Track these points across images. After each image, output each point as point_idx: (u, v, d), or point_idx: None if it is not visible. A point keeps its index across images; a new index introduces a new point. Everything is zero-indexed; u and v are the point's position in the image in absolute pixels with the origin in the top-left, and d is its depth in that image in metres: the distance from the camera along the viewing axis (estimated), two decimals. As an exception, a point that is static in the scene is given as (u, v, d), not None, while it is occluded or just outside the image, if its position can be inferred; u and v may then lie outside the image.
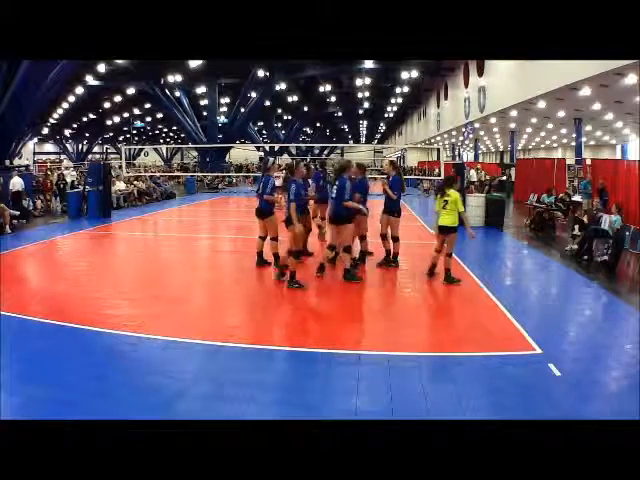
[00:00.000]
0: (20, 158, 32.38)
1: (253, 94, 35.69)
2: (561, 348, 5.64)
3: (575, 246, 10.62)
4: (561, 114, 23.19)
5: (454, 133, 34.70)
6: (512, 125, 28.39)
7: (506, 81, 21.40)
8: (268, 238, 8.91)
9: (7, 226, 13.45)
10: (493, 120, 26.10)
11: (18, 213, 14.52)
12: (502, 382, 4.77)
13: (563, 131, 32.45)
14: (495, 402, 4.42)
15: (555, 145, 46.78)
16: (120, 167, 23.80)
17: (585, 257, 10.03)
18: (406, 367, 5.05)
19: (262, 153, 54.10)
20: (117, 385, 4.73)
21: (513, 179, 24.79)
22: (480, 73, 24.58)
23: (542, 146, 48.55)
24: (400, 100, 42.11)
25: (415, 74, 31.19)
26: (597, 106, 20.32)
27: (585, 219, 11.32)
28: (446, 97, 33.29)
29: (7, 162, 16.58)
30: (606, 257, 9.59)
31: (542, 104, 20.17)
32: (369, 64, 30.42)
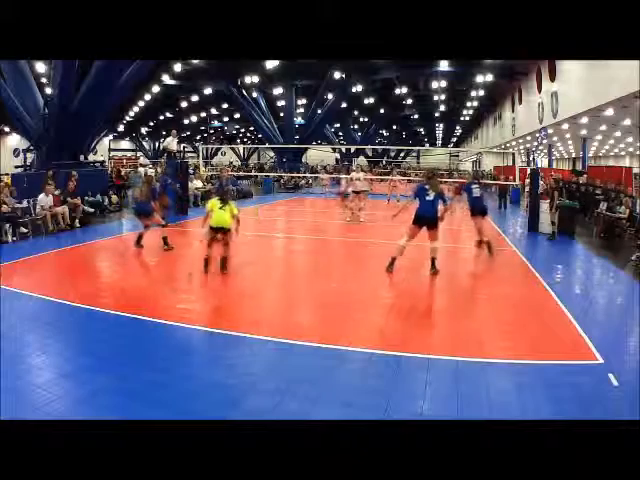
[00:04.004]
0: (95, 154, 33.99)
1: (329, 96, 35.97)
2: (622, 359, 5.56)
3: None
4: (627, 122, 22.80)
5: (529, 138, 33.78)
6: (583, 132, 27.60)
7: (576, 87, 20.77)
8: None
9: (77, 220, 14.22)
10: (565, 126, 25.28)
11: (92, 210, 15.26)
12: (561, 390, 4.72)
13: (629, 140, 32.13)
14: (552, 411, 4.37)
15: (623, 154, 46.17)
16: (197, 166, 24.53)
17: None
18: (472, 372, 5.06)
19: (338, 155, 54.37)
20: (181, 378, 4.87)
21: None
22: (552, 78, 23.72)
23: (611, 154, 47.88)
24: (475, 103, 41.19)
25: (490, 77, 30.41)
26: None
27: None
28: (520, 102, 32.41)
29: (82, 157, 17.40)
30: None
31: (610, 112, 19.62)
32: (444, 66, 29.89)
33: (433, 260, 8.85)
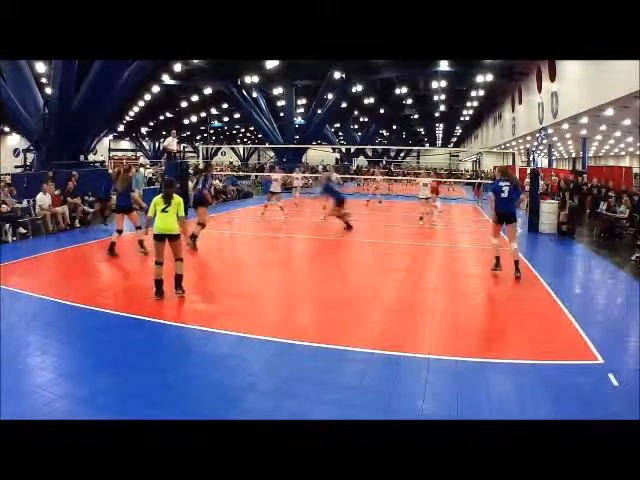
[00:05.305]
0: (95, 154, 33.95)
1: (329, 96, 35.97)
2: (622, 359, 5.58)
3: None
4: (627, 122, 22.80)
5: (529, 138, 33.77)
6: (583, 132, 27.57)
7: (576, 87, 20.75)
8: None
9: (77, 220, 14.24)
10: (565, 126, 25.28)
11: (92, 210, 15.20)
12: (561, 390, 4.72)
13: (629, 140, 32.10)
14: (552, 411, 4.37)
15: (623, 153, 46.23)
16: (197, 166, 24.47)
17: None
18: (472, 372, 5.07)
19: (338, 155, 54.38)
20: (181, 378, 4.87)
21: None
22: (552, 78, 23.70)
23: (611, 154, 47.90)
24: (475, 103, 41.22)
25: (489, 77, 30.43)
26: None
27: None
28: (520, 102, 32.41)
29: (82, 157, 17.38)
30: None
31: (610, 112, 19.58)
32: (444, 66, 29.91)
33: (516, 263, 8.87)
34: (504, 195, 8.87)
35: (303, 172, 28.32)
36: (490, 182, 13.87)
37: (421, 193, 16.34)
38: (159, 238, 7.30)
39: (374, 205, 21.75)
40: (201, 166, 16.83)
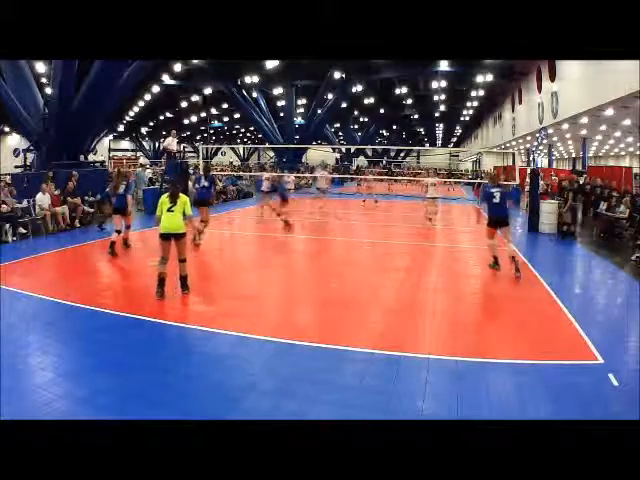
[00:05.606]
0: (95, 154, 33.90)
1: (329, 96, 35.97)
2: (622, 359, 5.59)
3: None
4: (627, 122, 22.80)
5: (529, 138, 33.75)
6: (583, 132, 27.53)
7: (576, 87, 20.70)
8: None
9: (77, 220, 14.24)
10: (565, 126, 25.27)
11: (92, 210, 15.20)
12: (561, 390, 4.73)
13: (629, 140, 32.21)
14: (552, 411, 4.37)
15: (623, 153, 46.44)
16: (197, 166, 24.46)
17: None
18: (472, 372, 5.07)
19: (338, 155, 54.35)
20: (181, 378, 4.88)
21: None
22: (552, 78, 23.67)
23: (611, 154, 48.07)
24: (475, 103, 41.19)
25: (489, 77, 30.42)
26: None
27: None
28: (520, 102, 32.38)
29: (82, 157, 17.37)
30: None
31: (610, 112, 19.55)
32: (444, 67, 29.91)
33: (516, 264, 8.93)
34: (496, 200, 8.95)
35: (303, 172, 28.38)
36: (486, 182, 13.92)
37: (429, 193, 16.44)
38: (165, 237, 7.27)
39: (372, 205, 21.88)
40: (201, 165, 16.79)
